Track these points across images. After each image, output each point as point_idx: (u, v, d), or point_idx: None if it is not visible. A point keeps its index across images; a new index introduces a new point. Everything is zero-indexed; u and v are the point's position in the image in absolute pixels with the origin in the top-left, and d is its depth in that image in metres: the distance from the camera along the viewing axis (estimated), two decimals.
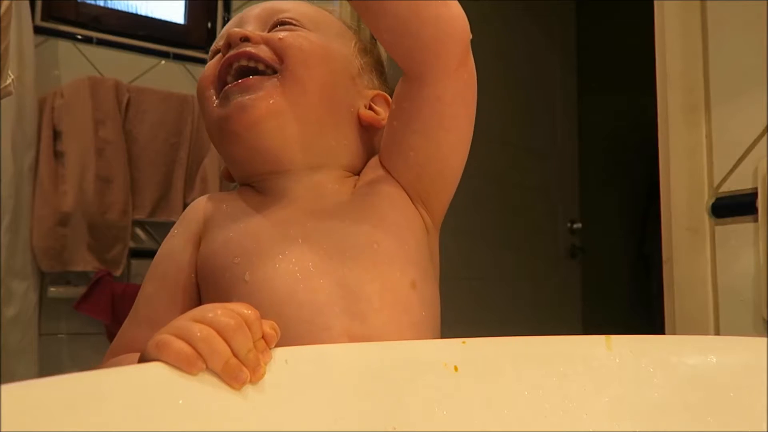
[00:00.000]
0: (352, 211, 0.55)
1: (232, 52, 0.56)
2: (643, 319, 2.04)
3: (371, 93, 0.62)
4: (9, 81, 0.68)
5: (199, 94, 0.60)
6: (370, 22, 0.52)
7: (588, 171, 2.21)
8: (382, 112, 0.62)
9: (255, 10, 0.62)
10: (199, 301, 0.56)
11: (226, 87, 0.56)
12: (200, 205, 0.59)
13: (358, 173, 0.61)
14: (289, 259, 0.51)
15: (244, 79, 0.55)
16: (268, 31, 0.59)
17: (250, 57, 0.56)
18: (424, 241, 0.57)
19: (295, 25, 0.59)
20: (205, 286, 0.55)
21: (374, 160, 0.61)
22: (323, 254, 0.52)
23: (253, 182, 0.60)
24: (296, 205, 0.56)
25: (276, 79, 0.55)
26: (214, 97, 0.58)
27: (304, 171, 0.58)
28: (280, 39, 0.57)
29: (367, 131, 0.62)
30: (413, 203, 0.57)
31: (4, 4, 0.62)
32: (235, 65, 0.56)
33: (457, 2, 0.51)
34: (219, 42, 0.61)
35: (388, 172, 0.58)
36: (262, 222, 0.55)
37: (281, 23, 0.59)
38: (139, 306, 0.57)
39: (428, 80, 0.52)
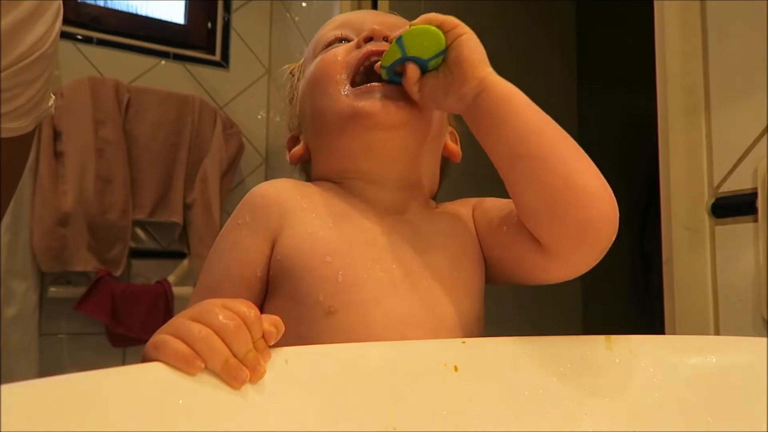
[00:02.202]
0: (436, 235, 0.57)
1: (375, 48, 0.57)
2: (643, 319, 2.04)
3: (449, 128, 0.66)
4: (51, 102, 0.69)
5: (324, 76, 0.59)
6: (514, 193, 0.52)
7: None
8: (455, 148, 0.65)
9: (370, 17, 0.64)
10: (262, 296, 0.55)
11: (375, 84, 0.56)
12: (272, 195, 0.56)
13: (431, 197, 0.64)
14: (380, 267, 0.53)
15: (392, 83, 0.56)
16: None
17: None
18: (484, 286, 0.59)
19: None
20: (283, 281, 0.53)
21: (468, 201, 0.63)
22: (409, 268, 0.54)
23: (341, 179, 0.60)
24: (384, 215, 0.57)
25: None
26: (346, 84, 0.58)
27: (398, 183, 0.59)
28: None
29: (441, 160, 0.65)
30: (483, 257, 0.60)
31: (54, 33, 0.64)
32: (373, 59, 0.57)
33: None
34: (340, 31, 0.62)
35: (474, 223, 0.60)
36: (351, 225, 0.55)
37: None
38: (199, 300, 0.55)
39: (554, 256, 0.51)
